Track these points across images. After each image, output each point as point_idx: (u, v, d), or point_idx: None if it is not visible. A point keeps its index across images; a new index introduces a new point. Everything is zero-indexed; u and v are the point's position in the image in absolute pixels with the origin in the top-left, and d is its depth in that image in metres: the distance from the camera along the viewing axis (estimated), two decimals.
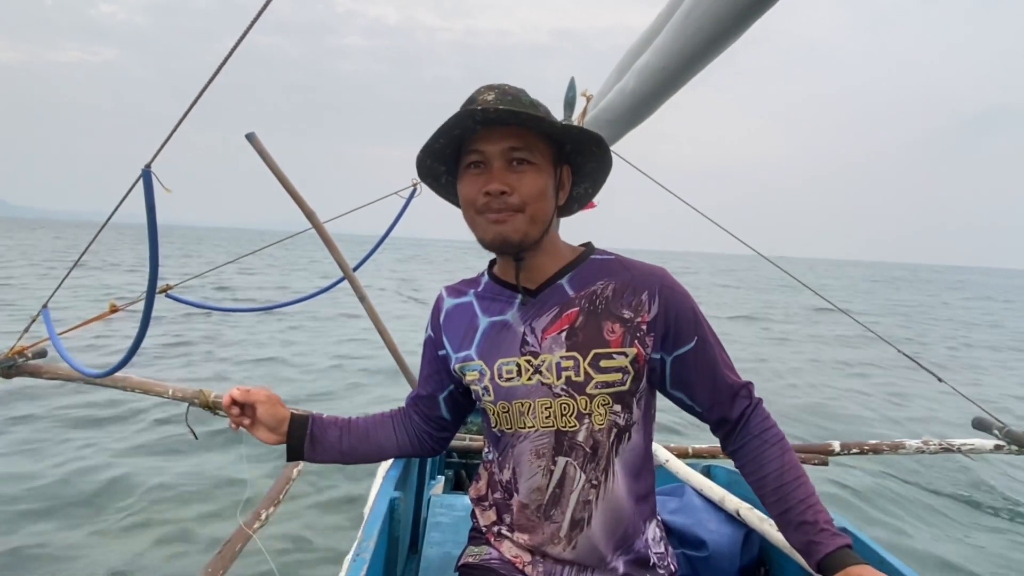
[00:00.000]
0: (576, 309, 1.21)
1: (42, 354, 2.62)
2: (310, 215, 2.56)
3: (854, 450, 2.72)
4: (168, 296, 2.75)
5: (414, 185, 2.82)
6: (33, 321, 2.43)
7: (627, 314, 1.20)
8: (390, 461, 1.81)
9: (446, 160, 1.24)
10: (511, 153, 1.14)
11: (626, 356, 1.18)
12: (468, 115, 1.09)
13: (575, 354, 1.19)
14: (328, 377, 8.59)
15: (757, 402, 1.26)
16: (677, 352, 1.21)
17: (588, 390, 1.19)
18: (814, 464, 2.68)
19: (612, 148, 1.63)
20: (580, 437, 1.20)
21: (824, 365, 11.54)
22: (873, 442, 2.75)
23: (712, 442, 2.72)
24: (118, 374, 2.55)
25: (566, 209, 1.33)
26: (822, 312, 20.55)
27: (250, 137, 2.46)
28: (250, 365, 9.10)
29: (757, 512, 1.73)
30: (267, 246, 3.11)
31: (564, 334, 1.20)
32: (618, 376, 1.18)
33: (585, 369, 1.18)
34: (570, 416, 1.20)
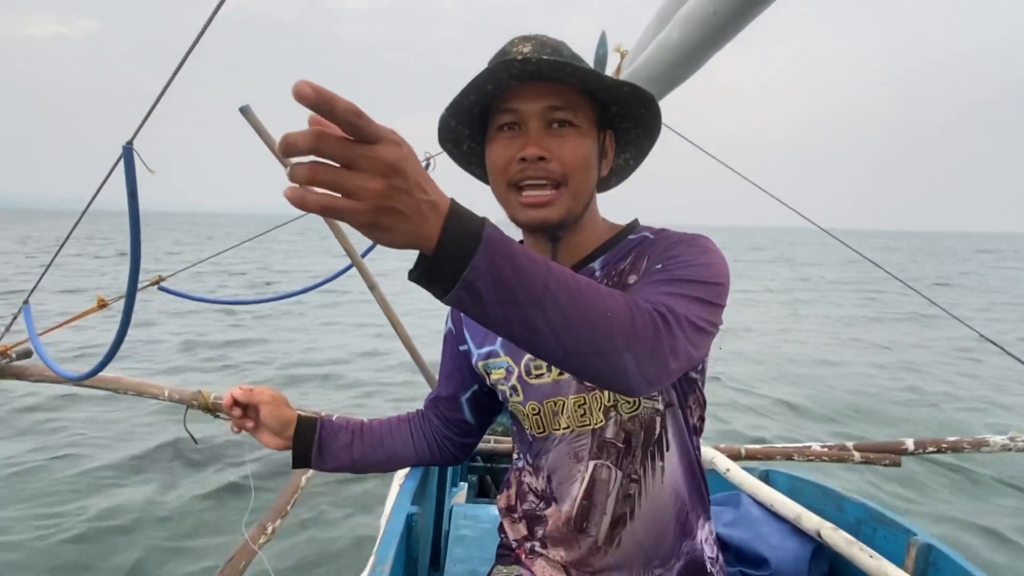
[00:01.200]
0: None
1: (27, 354, 2.59)
2: None
3: (930, 448, 2.59)
4: (160, 288, 2.71)
5: (427, 159, 2.72)
6: (15, 319, 2.40)
7: (632, 280, 1.10)
8: (407, 470, 1.74)
9: (471, 123, 1.15)
10: (551, 113, 1.05)
11: None
12: (504, 67, 0.99)
13: None
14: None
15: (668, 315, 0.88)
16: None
17: None
18: (885, 465, 2.57)
19: None
20: (609, 433, 1.14)
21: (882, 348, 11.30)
22: (952, 439, 2.62)
23: (768, 442, 2.62)
24: (108, 375, 2.51)
25: (604, 183, 1.24)
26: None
27: (244, 110, 2.39)
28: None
29: (828, 523, 1.63)
30: (268, 231, 3.04)
31: None
32: None
33: None
34: (596, 411, 1.14)
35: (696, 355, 0.92)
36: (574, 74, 1.01)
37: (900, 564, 1.48)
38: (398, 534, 1.29)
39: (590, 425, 1.15)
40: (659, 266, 1.02)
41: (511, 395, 1.21)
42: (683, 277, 0.98)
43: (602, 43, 2.36)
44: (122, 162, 1.57)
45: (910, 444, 2.58)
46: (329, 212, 0.60)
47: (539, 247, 1.17)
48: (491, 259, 0.68)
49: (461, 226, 0.67)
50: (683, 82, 1.76)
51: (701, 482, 1.22)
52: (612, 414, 1.13)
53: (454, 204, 0.68)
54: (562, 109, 1.05)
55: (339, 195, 0.60)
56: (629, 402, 1.12)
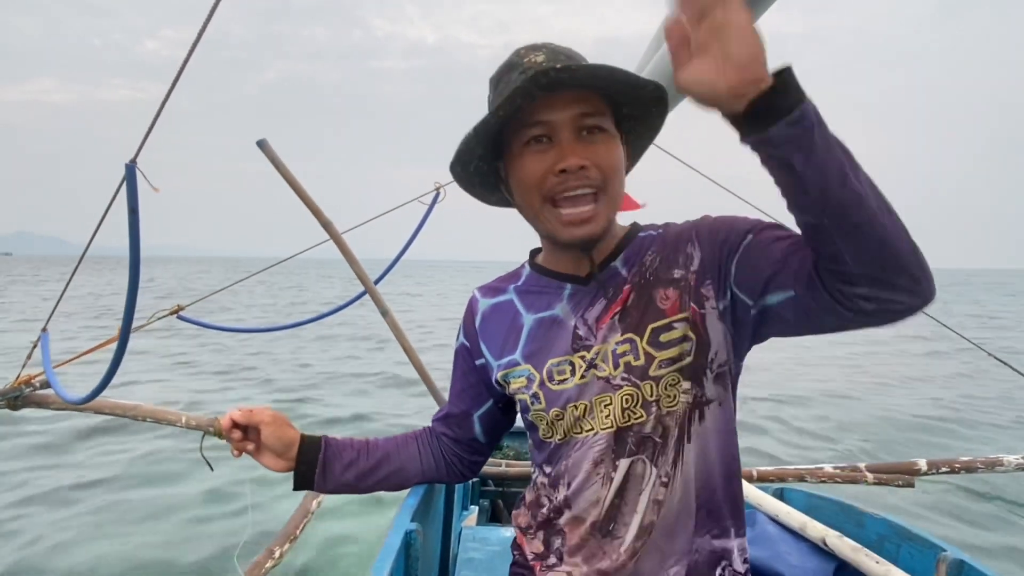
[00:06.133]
0: (628, 287, 1.04)
1: (49, 384, 2.48)
2: (327, 225, 2.39)
3: (943, 469, 2.39)
4: (179, 317, 2.61)
5: (436, 189, 2.63)
6: (34, 347, 2.30)
7: (677, 273, 1.01)
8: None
9: (486, 141, 1.03)
10: (582, 120, 0.95)
11: (687, 322, 1.00)
12: (534, 80, 0.89)
13: (630, 335, 1.02)
14: None
15: None
16: (735, 259, 0.96)
17: (652, 372, 1.00)
18: (898, 486, 2.37)
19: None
20: (648, 428, 1.02)
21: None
22: (965, 459, 2.42)
23: (779, 464, 2.43)
24: (127, 403, 2.40)
25: None
26: None
27: (261, 144, 2.31)
28: None
29: (849, 541, 1.45)
30: (278, 262, 2.96)
31: (617, 317, 1.03)
32: (685, 347, 1.00)
33: (644, 349, 1.00)
34: (635, 407, 1.02)
35: None
36: (609, 77, 0.92)
37: None
38: (395, 551, 1.15)
39: (614, 426, 1.02)
40: (749, 238, 0.94)
41: (532, 403, 1.08)
42: (762, 223, 0.96)
43: None
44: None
45: (923, 464, 2.39)
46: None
47: (566, 258, 1.08)
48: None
49: None
50: (685, 97, 1.64)
51: (737, 489, 1.07)
52: (653, 409, 1.01)
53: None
54: (593, 115, 0.96)
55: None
56: (670, 396, 1.01)
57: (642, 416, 1.01)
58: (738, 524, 1.08)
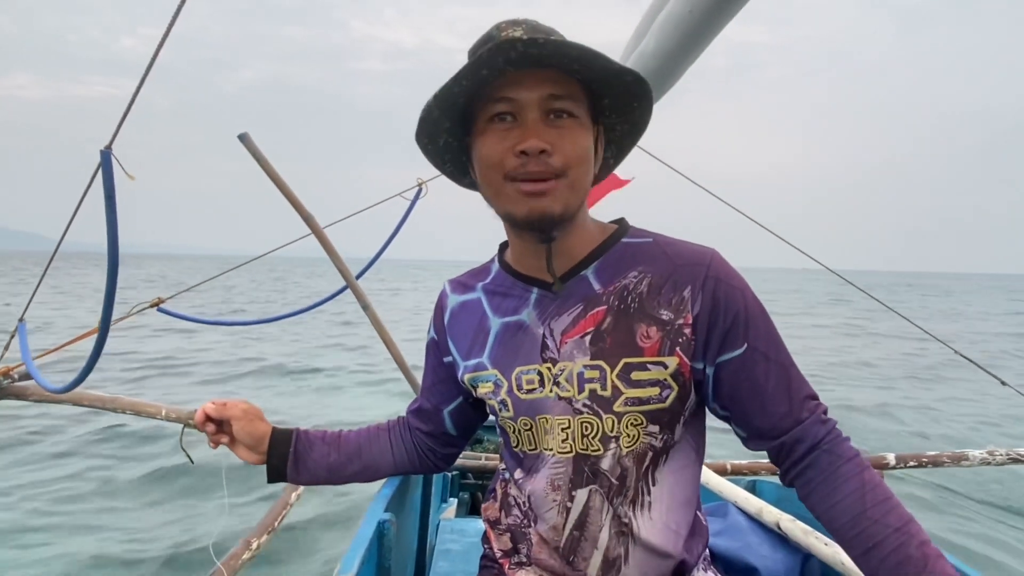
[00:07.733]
0: (603, 308, 0.96)
1: (29, 375, 2.42)
2: (308, 219, 2.36)
3: (911, 463, 2.40)
4: (160, 310, 2.55)
5: (419, 185, 2.60)
6: (12, 339, 2.24)
7: (665, 315, 0.94)
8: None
9: (453, 114, 0.95)
10: (551, 103, 0.88)
11: (665, 367, 0.94)
12: (500, 50, 0.81)
13: (600, 363, 0.95)
14: None
15: (828, 422, 0.94)
16: (721, 359, 0.94)
17: (616, 407, 0.95)
18: None
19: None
20: (605, 464, 0.97)
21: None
22: (932, 453, 2.43)
23: (755, 457, 2.43)
24: (106, 395, 2.35)
25: None
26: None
27: (243, 138, 2.27)
28: None
29: (815, 532, 1.45)
30: (258, 257, 2.91)
31: (588, 338, 0.96)
32: (655, 391, 0.94)
33: (613, 382, 0.95)
34: (593, 438, 0.97)
35: None
36: (580, 58, 0.85)
37: None
38: (367, 541, 1.12)
39: (572, 452, 0.98)
40: (742, 349, 0.93)
41: (500, 409, 1.04)
42: (781, 360, 0.95)
43: None
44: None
45: (892, 459, 2.39)
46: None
47: (526, 253, 1.01)
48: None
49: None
50: (665, 92, 1.63)
51: (697, 507, 1.06)
52: (612, 445, 0.96)
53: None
54: (563, 98, 0.89)
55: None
56: (631, 435, 0.96)
57: (599, 450, 0.97)
58: (705, 542, 1.09)
